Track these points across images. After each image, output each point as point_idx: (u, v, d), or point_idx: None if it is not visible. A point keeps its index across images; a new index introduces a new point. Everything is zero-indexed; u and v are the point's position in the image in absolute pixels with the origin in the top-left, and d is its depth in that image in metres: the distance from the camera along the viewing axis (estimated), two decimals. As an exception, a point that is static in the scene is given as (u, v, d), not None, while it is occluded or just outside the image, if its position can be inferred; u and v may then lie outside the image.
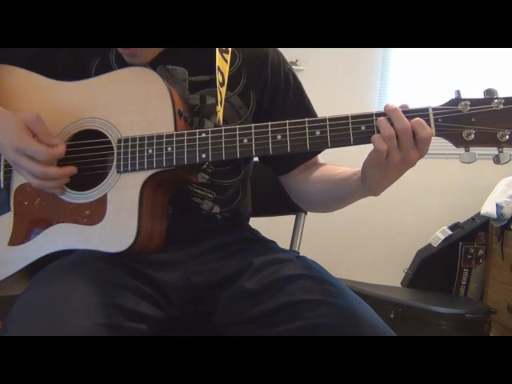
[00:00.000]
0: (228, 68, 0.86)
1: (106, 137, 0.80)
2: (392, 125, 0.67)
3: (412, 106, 0.69)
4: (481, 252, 2.29)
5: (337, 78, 2.90)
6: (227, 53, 0.87)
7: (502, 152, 0.67)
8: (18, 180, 0.84)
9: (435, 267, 2.35)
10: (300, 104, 0.94)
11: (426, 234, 2.42)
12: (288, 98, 0.92)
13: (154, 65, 0.85)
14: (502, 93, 0.66)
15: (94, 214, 0.78)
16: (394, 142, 0.67)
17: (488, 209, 2.13)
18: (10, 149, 0.75)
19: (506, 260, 2.09)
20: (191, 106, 0.86)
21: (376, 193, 0.75)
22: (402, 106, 0.69)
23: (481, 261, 2.29)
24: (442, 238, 2.34)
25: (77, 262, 0.77)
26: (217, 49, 0.85)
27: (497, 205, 2.07)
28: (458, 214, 2.42)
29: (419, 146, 0.67)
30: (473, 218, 2.35)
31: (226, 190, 0.91)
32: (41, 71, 0.86)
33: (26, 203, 0.83)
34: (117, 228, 0.76)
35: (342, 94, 2.81)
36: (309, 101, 0.96)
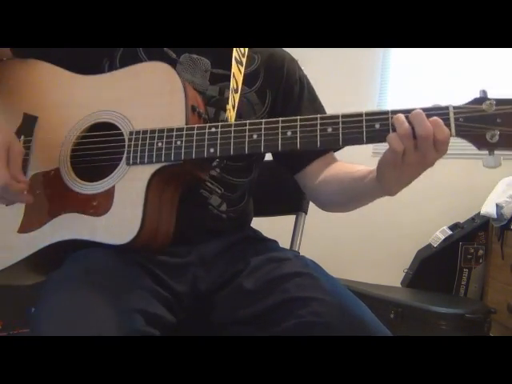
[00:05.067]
0: (242, 75, 0.89)
1: (119, 129, 0.80)
2: (412, 128, 0.64)
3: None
4: (481, 252, 2.29)
5: (337, 78, 2.89)
6: (243, 56, 0.90)
7: None
8: (33, 169, 0.85)
9: (435, 267, 2.35)
10: (313, 109, 0.95)
11: (426, 233, 2.42)
12: (302, 102, 0.95)
13: (180, 52, 0.87)
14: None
15: (100, 205, 0.78)
16: (411, 142, 0.64)
17: (488, 209, 2.13)
18: None
19: (506, 260, 2.09)
20: (208, 97, 0.87)
21: (392, 193, 0.74)
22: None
23: (481, 261, 2.29)
24: (442, 238, 2.34)
25: (92, 269, 0.73)
26: (233, 57, 0.88)
27: (497, 205, 2.07)
28: (458, 214, 2.42)
29: (437, 148, 0.65)
30: (473, 218, 2.34)
31: (234, 189, 0.91)
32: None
33: (38, 192, 0.83)
34: (121, 220, 0.76)
35: (342, 94, 2.80)
36: (322, 106, 0.98)
